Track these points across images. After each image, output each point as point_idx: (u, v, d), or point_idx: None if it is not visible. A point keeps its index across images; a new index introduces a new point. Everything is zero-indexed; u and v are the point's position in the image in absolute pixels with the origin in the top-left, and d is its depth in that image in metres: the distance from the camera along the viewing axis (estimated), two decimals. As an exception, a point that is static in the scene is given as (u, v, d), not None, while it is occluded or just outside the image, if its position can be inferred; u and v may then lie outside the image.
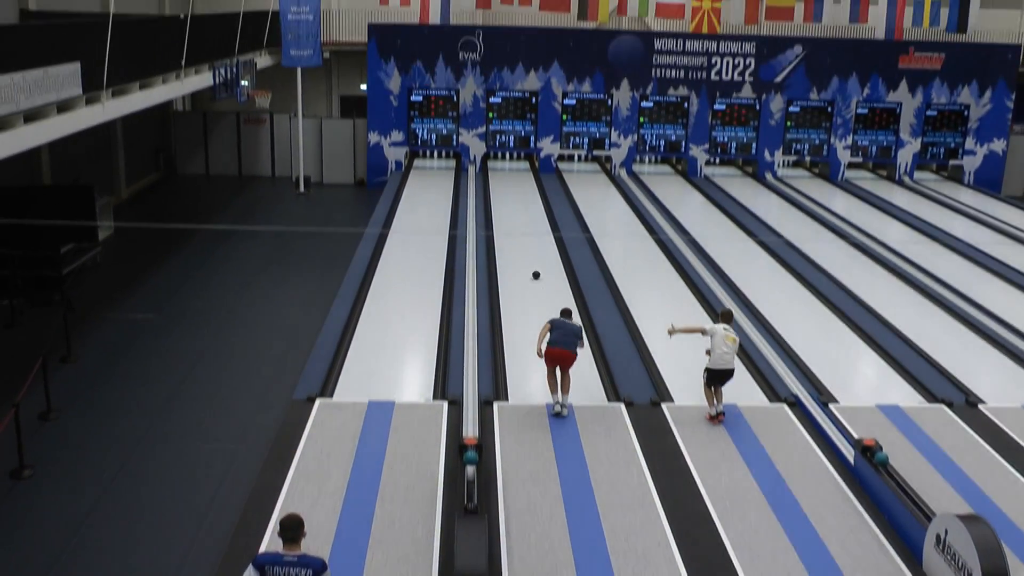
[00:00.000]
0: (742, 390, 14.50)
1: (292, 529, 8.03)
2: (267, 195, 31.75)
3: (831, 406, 14.36)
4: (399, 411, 13.61)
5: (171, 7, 31.72)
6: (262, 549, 9.79)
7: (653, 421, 13.59)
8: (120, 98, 19.37)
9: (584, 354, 14.55)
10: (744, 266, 21.85)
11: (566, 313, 13.85)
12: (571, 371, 13.64)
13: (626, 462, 12.38)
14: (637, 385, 14.80)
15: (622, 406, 14.06)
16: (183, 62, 22.86)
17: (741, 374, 14.49)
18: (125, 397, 15.21)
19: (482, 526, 9.73)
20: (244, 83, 26.98)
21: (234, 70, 26.02)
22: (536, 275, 19.99)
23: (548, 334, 13.47)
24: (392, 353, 15.93)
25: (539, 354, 13.37)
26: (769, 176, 34.12)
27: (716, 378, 13.44)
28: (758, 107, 34.32)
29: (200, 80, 24.65)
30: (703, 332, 13.56)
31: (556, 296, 18.42)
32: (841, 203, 29.76)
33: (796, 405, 14.24)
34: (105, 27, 17.68)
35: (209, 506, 11.98)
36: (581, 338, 13.58)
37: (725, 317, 13.76)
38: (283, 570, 7.82)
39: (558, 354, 13.43)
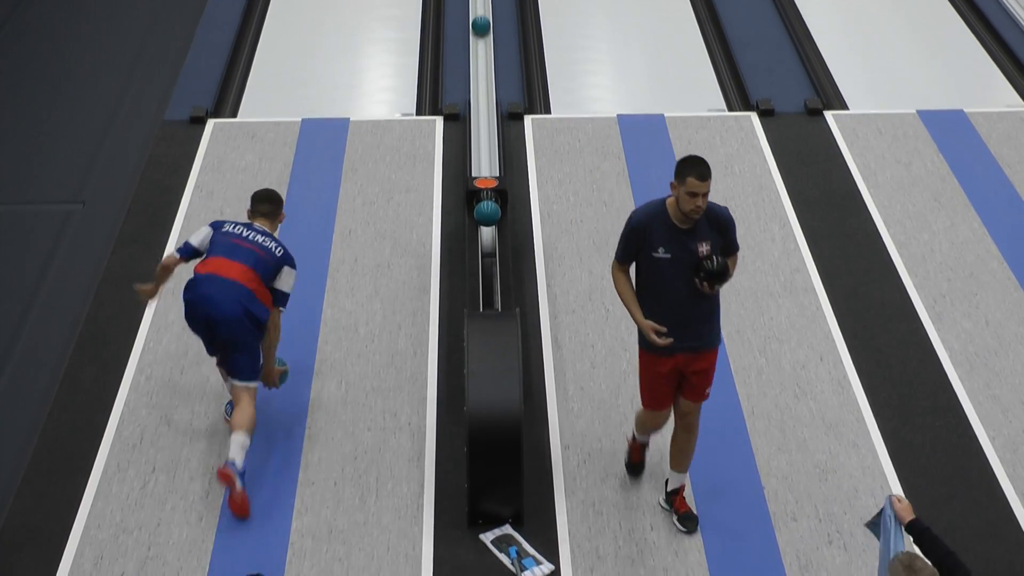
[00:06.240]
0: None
1: (268, 201, 6.71)
2: None
3: None
4: (357, 134, 10.12)
5: None
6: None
7: (809, 134, 10.20)
8: None
9: (689, 41, 11.05)
10: None
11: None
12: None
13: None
14: (781, 80, 11.04)
15: (753, 116, 10.40)
16: None
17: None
18: None
19: (509, 329, 6.80)
20: None
21: None
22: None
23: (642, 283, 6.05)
24: (343, 33, 11.91)
25: (644, 330, 5.75)
26: None
27: None
28: None
29: None
30: None
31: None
32: None
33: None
34: None
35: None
36: (717, 273, 5.61)
37: None
38: (248, 232, 6.52)
39: (670, 362, 5.89)
